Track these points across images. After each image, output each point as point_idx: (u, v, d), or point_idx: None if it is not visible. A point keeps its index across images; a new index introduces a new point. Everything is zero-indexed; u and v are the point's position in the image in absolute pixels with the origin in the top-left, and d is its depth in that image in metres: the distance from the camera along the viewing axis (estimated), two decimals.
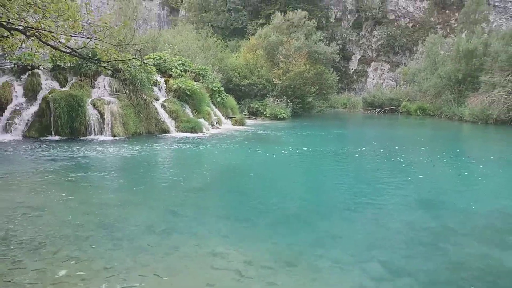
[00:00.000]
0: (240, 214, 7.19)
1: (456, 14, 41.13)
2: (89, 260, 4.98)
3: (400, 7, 45.21)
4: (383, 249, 5.64)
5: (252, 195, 8.48)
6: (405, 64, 42.60)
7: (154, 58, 20.54)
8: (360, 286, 4.52)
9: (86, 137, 15.01)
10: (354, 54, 47.83)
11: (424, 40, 37.50)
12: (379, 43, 46.03)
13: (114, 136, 15.44)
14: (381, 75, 46.42)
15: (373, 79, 46.69)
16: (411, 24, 44.78)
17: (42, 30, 7.64)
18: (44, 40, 7.92)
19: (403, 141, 18.79)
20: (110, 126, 15.52)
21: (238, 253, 5.30)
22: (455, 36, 36.01)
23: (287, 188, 9.32)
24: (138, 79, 16.73)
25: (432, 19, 43.73)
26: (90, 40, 8.69)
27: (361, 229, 6.48)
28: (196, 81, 20.85)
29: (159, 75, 20.00)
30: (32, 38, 7.83)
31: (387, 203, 8.00)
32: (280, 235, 6.13)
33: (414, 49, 43.26)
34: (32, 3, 7.56)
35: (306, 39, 31.68)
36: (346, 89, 46.80)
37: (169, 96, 19.30)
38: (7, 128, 14.69)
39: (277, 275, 4.75)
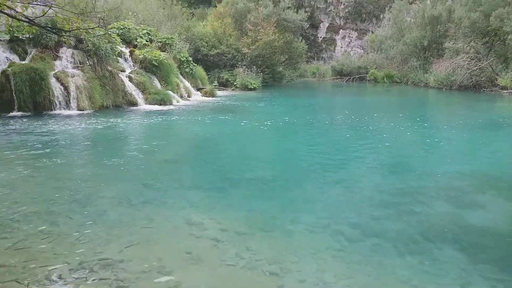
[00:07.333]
0: (213, 184, 7.23)
1: None
2: (62, 234, 4.92)
3: None
4: (353, 211, 5.85)
5: (225, 166, 8.52)
6: (372, 32, 42.87)
7: (117, 28, 19.76)
8: (331, 247, 4.70)
9: (51, 112, 14.46)
10: (322, 22, 47.59)
11: (391, 6, 37.70)
12: (346, 10, 45.91)
13: (80, 110, 14.95)
14: (349, 43, 46.59)
15: (341, 47, 46.82)
16: None
17: None
18: None
19: (371, 108, 19.17)
20: (75, 100, 15.00)
21: (213, 222, 5.37)
22: (420, 2, 36.35)
23: (259, 158, 9.42)
24: (102, 50, 16.12)
25: None
26: (49, 8, 8.26)
27: (332, 194, 6.68)
28: (162, 51, 20.30)
29: (124, 46, 19.31)
30: None
31: (356, 169, 8.26)
32: (254, 202, 6.24)
33: (381, 16, 43.47)
34: None
35: (274, 6, 31.22)
36: (315, 58, 46.79)
37: (136, 68, 18.76)
38: None
39: (252, 240, 4.87)
